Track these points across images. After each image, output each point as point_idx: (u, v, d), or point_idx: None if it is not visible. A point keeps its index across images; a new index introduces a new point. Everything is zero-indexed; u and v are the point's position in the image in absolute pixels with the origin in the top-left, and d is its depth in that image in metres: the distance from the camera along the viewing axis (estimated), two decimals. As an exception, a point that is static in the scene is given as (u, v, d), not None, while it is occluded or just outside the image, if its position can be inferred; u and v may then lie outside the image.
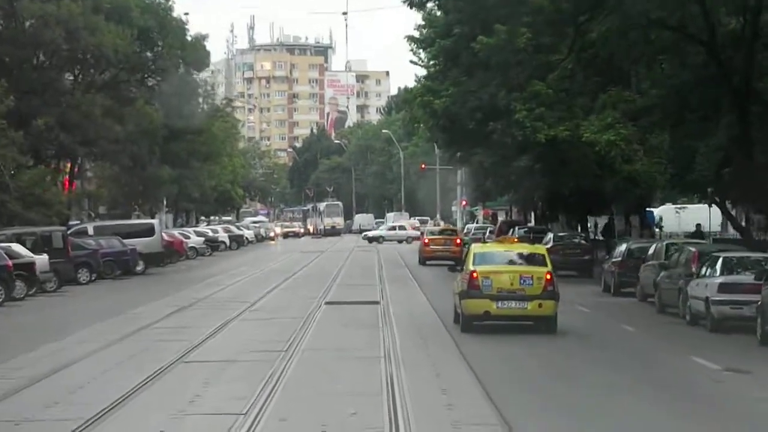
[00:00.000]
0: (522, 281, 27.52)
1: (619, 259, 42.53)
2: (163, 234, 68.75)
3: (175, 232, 76.04)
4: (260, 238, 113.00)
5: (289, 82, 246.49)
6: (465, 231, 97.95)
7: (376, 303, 38.01)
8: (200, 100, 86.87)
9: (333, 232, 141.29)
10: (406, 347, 25.51)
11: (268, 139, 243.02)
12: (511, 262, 28.51)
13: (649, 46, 41.13)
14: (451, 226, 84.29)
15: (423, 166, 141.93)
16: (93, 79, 62.43)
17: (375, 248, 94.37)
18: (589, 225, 77.11)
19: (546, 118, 48.73)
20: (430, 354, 24.75)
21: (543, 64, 45.32)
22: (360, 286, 46.83)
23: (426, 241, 69.64)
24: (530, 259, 28.72)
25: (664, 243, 39.66)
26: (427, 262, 66.27)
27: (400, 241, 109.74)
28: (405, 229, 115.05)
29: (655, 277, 37.11)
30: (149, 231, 59.26)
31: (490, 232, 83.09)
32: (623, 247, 43.30)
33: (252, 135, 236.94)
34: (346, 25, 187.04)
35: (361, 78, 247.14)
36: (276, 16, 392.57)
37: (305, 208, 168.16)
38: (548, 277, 27.72)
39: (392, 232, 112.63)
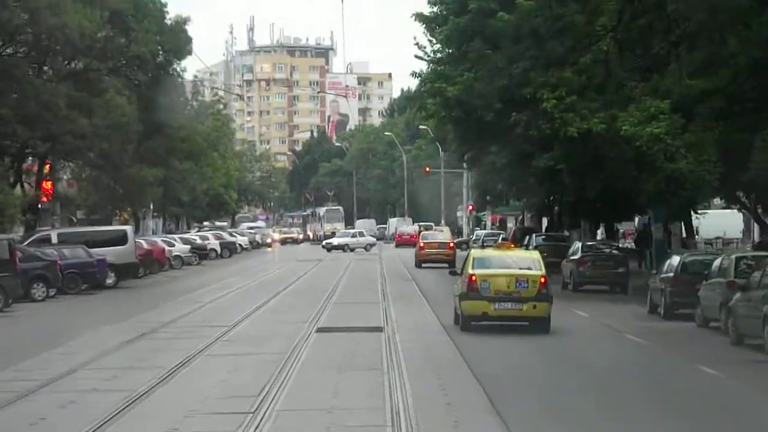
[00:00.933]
0: (518, 284, 28.97)
1: (671, 274, 35.00)
2: (142, 242, 61.49)
3: (158, 240, 68.61)
4: (256, 245, 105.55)
5: (289, 84, 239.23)
6: (474, 238, 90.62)
7: (380, 330, 30.59)
8: (189, 96, 79.59)
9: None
10: (422, 405, 18.13)
11: (268, 143, 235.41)
12: (508, 266, 29.73)
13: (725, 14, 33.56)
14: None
15: (427, 169, 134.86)
16: (59, 68, 54.90)
17: (377, 256, 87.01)
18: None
19: (578, 108, 41.42)
20: (458, 421, 17.36)
21: (583, 36, 37.82)
22: (360, 305, 39.49)
23: (421, 245, 71.93)
24: (526, 264, 29.98)
25: (733, 257, 32.15)
26: (423, 265, 68.39)
27: (365, 248, 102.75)
28: (364, 235, 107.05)
29: (722, 299, 29.75)
30: (121, 239, 51.77)
31: (502, 239, 75.65)
32: (675, 259, 35.76)
33: (252, 138, 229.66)
34: (342, 18, 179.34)
35: (363, 80, 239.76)
36: (276, 17, 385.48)
37: (305, 213, 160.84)
38: (542, 280, 29.20)
39: (354, 240, 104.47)
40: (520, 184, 63.82)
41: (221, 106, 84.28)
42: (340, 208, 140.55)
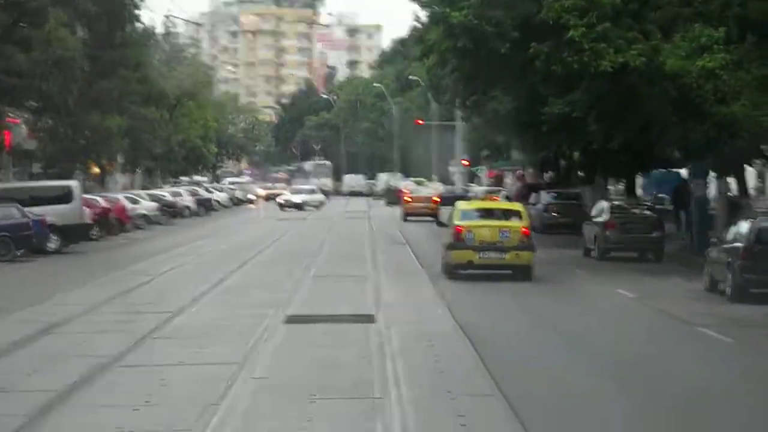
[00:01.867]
0: (501, 234, 30.01)
1: (741, 245, 27.07)
2: (98, 199, 53.55)
3: (120, 196, 60.56)
4: (237, 202, 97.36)
5: (275, 35, 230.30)
6: (471, 195, 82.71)
7: (369, 320, 22.72)
8: (159, 38, 71.42)
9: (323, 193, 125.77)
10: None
11: (255, 96, 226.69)
12: (492, 218, 31.14)
13: None
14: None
15: (419, 121, 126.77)
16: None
17: (366, 215, 79.07)
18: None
19: (611, 38, 33.45)
20: None
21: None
22: (344, 279, 31.62)
23: (408, 199, 71.85)
24: (509, 215, 31.32)
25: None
26: (408, 218, 68.34)
27: (315, 207, 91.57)
28: (316, 192, 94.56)
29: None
30: (65, 196, 43.70)
31: (506, 197, 67.77)
32: (744, 226, 27.79)
33: (237, 91, 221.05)
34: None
35: (352, 32, 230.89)
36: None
37: (291, 168, 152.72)
38: (524, 230, 30.25)
39: (310, 197, 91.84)
40: (526, 134, 55.86)
41: (192, 50, 75.96)
42: (328, 162, 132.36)
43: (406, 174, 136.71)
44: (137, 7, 54.49)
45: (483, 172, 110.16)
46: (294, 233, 56.24)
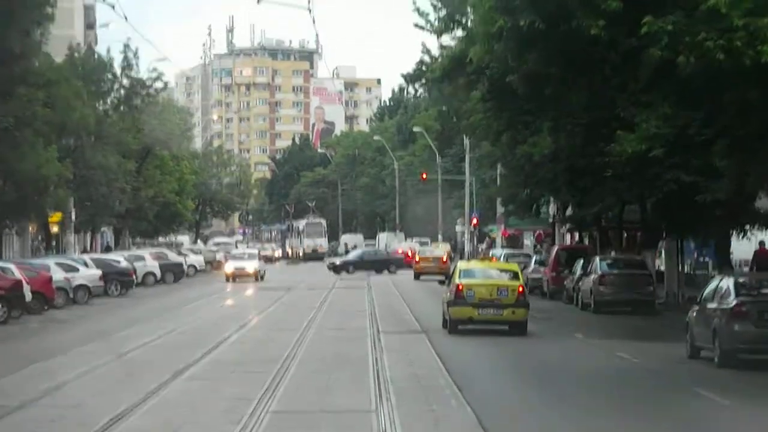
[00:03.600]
0: (499, 292, 31.64)
1: None
2: (11, 266, 39.77)
3: (51, 262, 46.69)
4: (218, 266, 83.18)
5: (270, 89, 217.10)
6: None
7: None
8: (117, 71, 57.91)
9: (314, 256, 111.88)
10: None
11: (248, 152, 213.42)
12: (490, 277, 32.73)
13: None
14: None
15: (424, 175, 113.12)
16: None
17: (366, 284, 65.00)
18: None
19: None
20: None
21: None
22: (334, 417, 17.63)
23: (417, 260, 75.35)
24: (506, 275, 32.97)
25: None
26: (421, 277, 71.02)
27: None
28: (252, 258, 69.76)
29: None
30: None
31: (538, 263, 53.85)
32: None
33: (230, 147, 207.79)
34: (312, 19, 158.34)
35: (350, 86, 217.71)
36: (257, 18, 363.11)
37: (284, 226, 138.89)
38: (520, 289, 31.99)
39: (242, 264, 68.39)
40: (576, 183, 42.36)
41: (160, 84, 62.53)
42: (322, 220, 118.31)
43: (408, 233, 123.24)
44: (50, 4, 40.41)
45: (495, 231, 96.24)
46: (272, 311, 42.35)
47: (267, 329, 34.75)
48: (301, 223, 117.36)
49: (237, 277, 66.08)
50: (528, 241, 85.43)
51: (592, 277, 41.61)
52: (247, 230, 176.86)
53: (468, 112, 55.71)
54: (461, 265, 34.60)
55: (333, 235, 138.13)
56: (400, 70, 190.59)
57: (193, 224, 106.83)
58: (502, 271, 33.95)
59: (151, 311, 42.79)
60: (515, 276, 32.71)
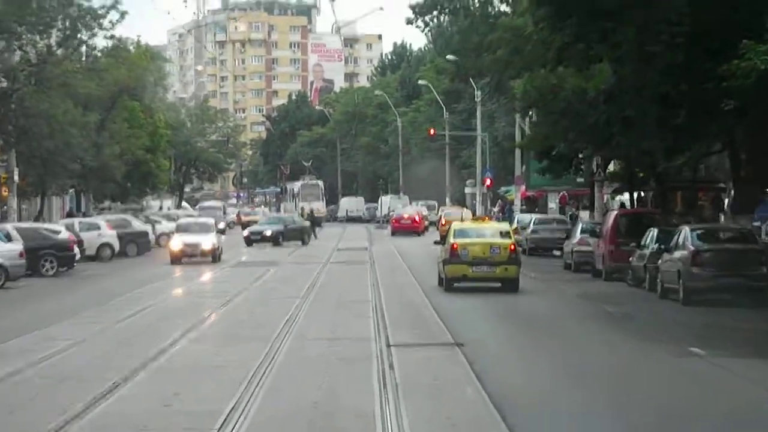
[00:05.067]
0: (492, 251, 32.47)
1: None
2: None
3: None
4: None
5: (267, 46, 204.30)
6: (517, 225, 56.93)
7: None
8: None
9: (311, 221, 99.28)
10: None
11: (244, 111, 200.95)
12: (483, 236, 33.46)
13: None
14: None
15: (432, 131, 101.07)
16: None
17: (366, 256, 53.11)
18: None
19: None
20: None
21: None
22: None
23: (443, 223, 68.57)
24: (498, 234, 33.88)
25: None
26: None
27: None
28: (208, 231, 50.95)
29: None
30: None
31: (586, 231, 42.03)
32: None
33: (225, 106, 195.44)
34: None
35: (350, 42, 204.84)
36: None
37: (279, 189, 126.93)
38: (512, 247, 32.81)
39: (195, 239, 50.17)
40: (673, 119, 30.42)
41: (115, 15, 50.69)
42: (320, 182, 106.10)
43: (413, 197, 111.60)
44: None
45: (513, 193, 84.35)
46: (242, 299, 30.56)
47: (238, 325, 22.88)
48: (296, 185, 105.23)
49: (186, 256, 48.31)
50: (553, 203, 73.52)
51: (680, 254, 29.65)
52: (241, 193, 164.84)
53: (495, 43, 44.03)
54: (456, 225, 35.38)
55: (332, 199, 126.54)
56: (402, 26, 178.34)
57: (175, 186, 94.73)
58: (494, 230, 34.59)
59: (71, 305, 30.82)
60: (507, 235, 33.94)
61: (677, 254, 29.95)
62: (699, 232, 30.60)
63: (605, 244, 37.36)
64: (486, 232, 33.95)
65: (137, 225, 56.63)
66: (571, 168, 50.09)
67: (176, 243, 49.02)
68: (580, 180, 71.96)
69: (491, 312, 28.31)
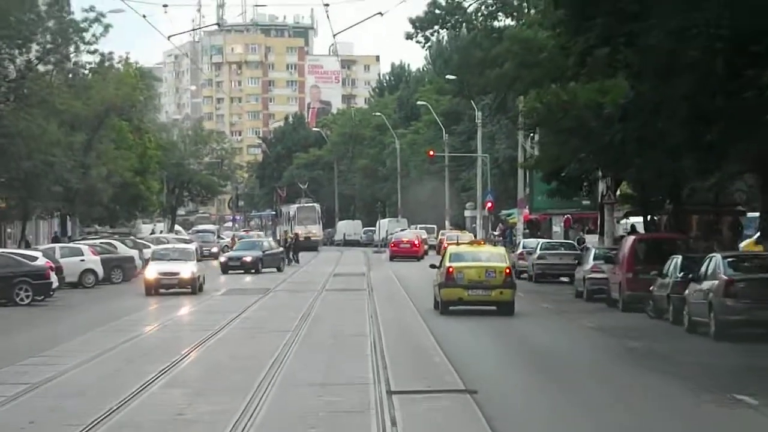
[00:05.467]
0: (487, 274, 32.52)
1: None
2: None
3: None
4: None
5: (263, 67, 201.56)
6: (522, 250, 54.15)
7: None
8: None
9: (307, 244, 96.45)
10: None
11: (240, 134, 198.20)
12: (479, 260, 33.37)
13: None
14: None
15: (431, 152, 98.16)
16: None
17: (364, 282, 50.14)
18: None
19: None
20: None
21: None
22: None
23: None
24: (493, 257, 33.79)
25: None
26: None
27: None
28: (187, 259, 44.92)
29: None
30: None
31: (599, 258, 39.06)
32: None
33: (222, 129, 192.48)
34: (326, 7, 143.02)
35: (348, 63, 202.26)
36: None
37: (274, 212, 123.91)
38: (507, 271, 32.89)
39: (170, 267, 44.21)
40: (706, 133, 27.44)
41: (99, 28, 47.80)
42: (316, 205, 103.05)
43: (412, 220, 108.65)
44: None
45: (515, 216, 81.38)
46: (220, 338, 27.50)
47: (182, 403, 19.80)
48: (292, 208, 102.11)
49: (163, 287, 42.49)
50: (558, 227, 70.58)
51: (711, 284, 26.67)
52: (238, 216, 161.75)
53: (501, 56, 41.22)
54: (451, 249, 35.28)
55: (329, 222, 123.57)
56: (400, 47, 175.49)
57: (167, 209, 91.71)
58: (489, 253, 34.65)
59: (34, 341, 27.73)
60: (503, 258, 33.91)
61: (707, 284, 26.99)
62: (731, 259, 27.62)
63: (622, 272, 34.40)
64: (481, 256, 33.88)
65: (123, 250, 53.62)
66: (581, 190, 47.15)
67: (151, 272, 42.94)
68: (586, 203, 69.36)
69: (505, 349, 25.38)
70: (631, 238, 36.21)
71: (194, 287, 42.64)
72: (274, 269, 60.20)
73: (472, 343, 26.36)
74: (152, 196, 69.98)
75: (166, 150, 77.96)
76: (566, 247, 50.79)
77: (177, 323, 33.06)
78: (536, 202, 70.73)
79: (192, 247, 48.57)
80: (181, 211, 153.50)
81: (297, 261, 70.23)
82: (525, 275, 52.06)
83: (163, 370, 21.10)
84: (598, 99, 33.25)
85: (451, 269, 32.53)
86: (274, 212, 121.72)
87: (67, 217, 66.23)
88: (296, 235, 77.38)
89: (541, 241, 53.16)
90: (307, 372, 21.01)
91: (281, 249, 66.03)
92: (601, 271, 37.81)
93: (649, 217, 46.74)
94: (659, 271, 31.63)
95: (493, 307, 32.47)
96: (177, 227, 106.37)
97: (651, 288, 31.84)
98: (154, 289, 42.43)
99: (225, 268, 58.47)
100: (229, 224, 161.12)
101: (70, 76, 56.88)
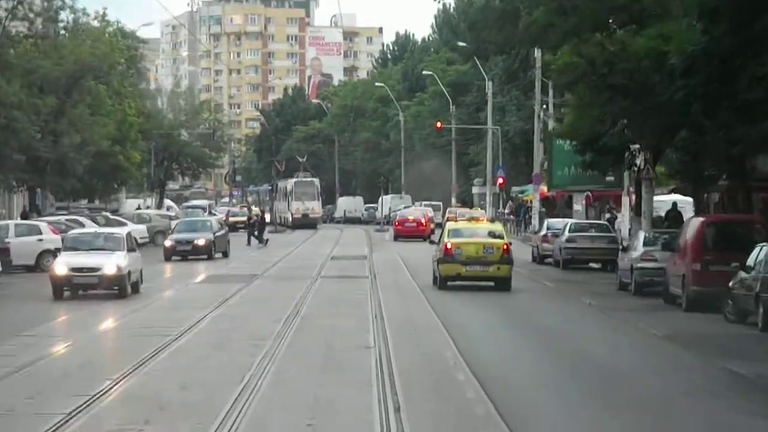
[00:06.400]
0: (485, 250, 32.44)
1: None
2: None
3: None
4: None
5: (263, 39, 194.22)
6: (547, 231, 47.32)
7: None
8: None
9: (305, 222, 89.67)
10: None
11: (239, 107, 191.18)
12: (477, 236, 33.45)
13: None
14: None
15: (438, 124, 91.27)
16: None
17: (365, 267, 43.15)
18: None
19: None
20: None
21: None
22: None
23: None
24: (491, 234, 33.76)
25: None
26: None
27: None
28: (115, 249, 32.11)
29: None
30: None
31: (654, 243, 32.17)
32: None
33: (220, 101, 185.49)
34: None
35: (350, 35, 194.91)
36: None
37: (269, 186, 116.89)
38: (505, 247, 32.61)
39: (87, 260, 31.82)
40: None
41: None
42: (315, 179, 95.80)
43: (416, 197, 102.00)
44: None
45: (530, 193, 74.42)
46: (179, 348, 20.57)
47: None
48: (289, 183, 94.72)
49: (75, 286, 30.99)
50: (579, 205, 63.59)
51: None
52: (236, 192, 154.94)
53: (528, 3, 34.46)
54: (450, 225, 35.43)
55: (329, 198, 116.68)
56: (404, 17, 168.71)
57: (155, 183, 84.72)
58: (487, 230, 34.58)
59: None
60: (500, 235, 33.96)
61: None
62: None
63: (687, 262, 27.45)
64: (479, 232, 33.97)
65: (93, 226, 46.64)
66: (623, 162, 40.07)
67: (60, 266, 30.85)
68: (609, 179, 62.55)
69: (558, 373, 18.44)
70: (698, 220, 29.12)
71: (121, 288, 30.67)
72: (220, 254, 49.85)
73: (506, 356, 19.54)
74: (132, 167, 62.86)
75: (150, 118, 70.69)
76: (598, 228, 43.82)
77: (131, 324, 25.99)
78: (556, 178, 63.96)
79: (122, 233, 34.34)
80: (175, 186, 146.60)
81: (261, 242, 60.75)
82: (550, 260, 45.21)
83: (72, 410, 14.27)
84: (661, 47, 26.28)
85: (449, 245, 32.51)
86: (270, 187, 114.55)
87: (38, 190, 59.34)
88: (262, 212, 67.72)
89: (570, 221, 46.11)
90: (287, 415, 14.23)
91: (226, 230, 54.24)
92: (654, 259, 30.94)
93: (696, 195, 39.82)
94: (741, 262, 24.76)
95: (491, 282, 32.55)
96: (169, 202, 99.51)
97: (731, 284, 24.94)
98: (61, 289, 30.80)
99: (170, 254, 47.46)
100: (226, 200, 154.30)
101: (41, 28, 50.04)
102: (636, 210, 44.45)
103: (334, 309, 27.43)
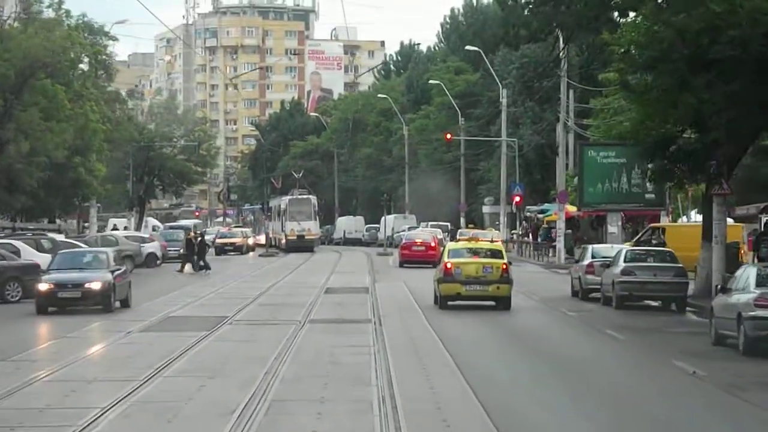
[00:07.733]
0: (484, 270, 32.59)
1: None
2: None
3: None
4: (139, 262, 52.04)
5: (261, 52, 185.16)
6: (592, 260, 37.95)
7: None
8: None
9: (300, 244, 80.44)
10: None
11: (235, 123, 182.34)
12: (476, 255, 33.55)
13: None
14: None
15: (448, 136, 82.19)
16: None
17: (371, 306, 33.76)
18: None
19: None
20: None
21: None
22: None
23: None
24: (490, 254, 33.76)
25: None
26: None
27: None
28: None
29: None
30: None
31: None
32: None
33: (215, 117, 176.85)
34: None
35: (350, 49, 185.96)
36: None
37: (260, 205, 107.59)
38: (504, 267, 32.74)
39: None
40: None
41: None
42: (312, 197, 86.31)
43: (420, 217, 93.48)
44: None
45: (552, 213, 65.10)
46: None
47: None
48: (283, 201, 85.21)
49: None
50: (614, 227, 54.17)
51: None
52: (231, 211, 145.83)
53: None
54: (450, 245, 36.05)
55: (328, 218, 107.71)
56: (406, 31, 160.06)
57: (135, 201, 75.41)
58: (487, 250, 34.35)
59: None
60: (500, 255, 33.79)
61: None
62: None
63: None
64: (479, 252, 33.95)
65: (28, 254, 37.37)
66: (709, 170, 30.64)
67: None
68: (649, 196, 54.03)
69: None
70: None
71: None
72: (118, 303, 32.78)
73: None
74: (95, 181, 53.31)
75: (120, 125, 61.19)
76: (659, 257, 34.39)
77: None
78: (587, 195, 54.55)
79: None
80: (165, 204, 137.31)
81: (204, 267, 51.28)
82: (596, 294, 35.92)
83: None
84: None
85: (449, 265, 32.67)
86: (259, 205, 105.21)
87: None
88: (201, 234, 56.14)
89: (624, 248, 36.63)
90: None
91: (126, 268, 35.51)
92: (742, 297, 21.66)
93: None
94: None
95: (491, 302, 32.60)
96: (154, 222, 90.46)
97: None
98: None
99: (45, 303, 31.48)
100: (220, 219, 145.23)
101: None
102: (705, 234, 35.21)
103: (322, 385, 18.03)
